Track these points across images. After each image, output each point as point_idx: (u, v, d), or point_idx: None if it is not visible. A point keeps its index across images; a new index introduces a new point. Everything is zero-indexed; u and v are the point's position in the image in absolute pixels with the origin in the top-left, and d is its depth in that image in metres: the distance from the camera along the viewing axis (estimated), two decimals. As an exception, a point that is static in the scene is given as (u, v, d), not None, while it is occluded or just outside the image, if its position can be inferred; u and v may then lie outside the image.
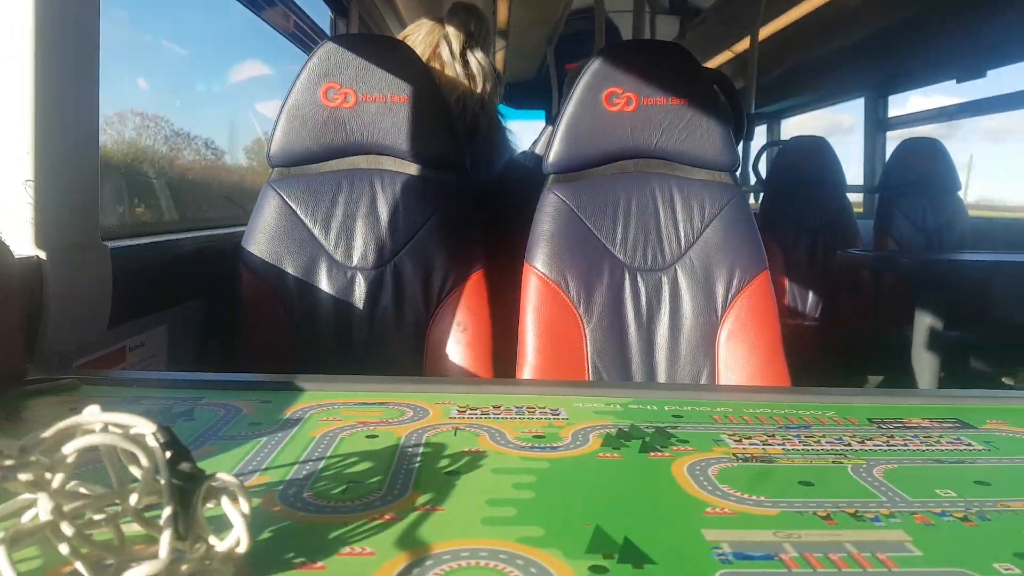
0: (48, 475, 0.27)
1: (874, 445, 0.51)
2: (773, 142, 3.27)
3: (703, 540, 0.36)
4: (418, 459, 0.46)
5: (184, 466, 0.30)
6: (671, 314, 1.16)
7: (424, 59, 1.39)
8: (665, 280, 1.17)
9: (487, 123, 1.42)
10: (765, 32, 3.40)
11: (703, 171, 1.21)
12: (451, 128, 1.19)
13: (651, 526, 0.38)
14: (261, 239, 1.11)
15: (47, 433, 0.28)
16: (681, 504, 0.41)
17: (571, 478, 0.44)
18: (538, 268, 1.12)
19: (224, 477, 0.32)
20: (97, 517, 0.29)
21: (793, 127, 4.30)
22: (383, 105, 1.16)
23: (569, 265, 1.13)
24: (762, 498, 0.42)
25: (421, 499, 0.40)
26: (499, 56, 4.78)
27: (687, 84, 1.18)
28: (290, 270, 1.11)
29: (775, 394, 0.62)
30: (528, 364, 1.09)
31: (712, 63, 4.28)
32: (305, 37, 1.99)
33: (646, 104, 1.17)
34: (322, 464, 0.45)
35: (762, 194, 3.01)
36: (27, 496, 0.28)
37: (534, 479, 0.44)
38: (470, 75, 1.39)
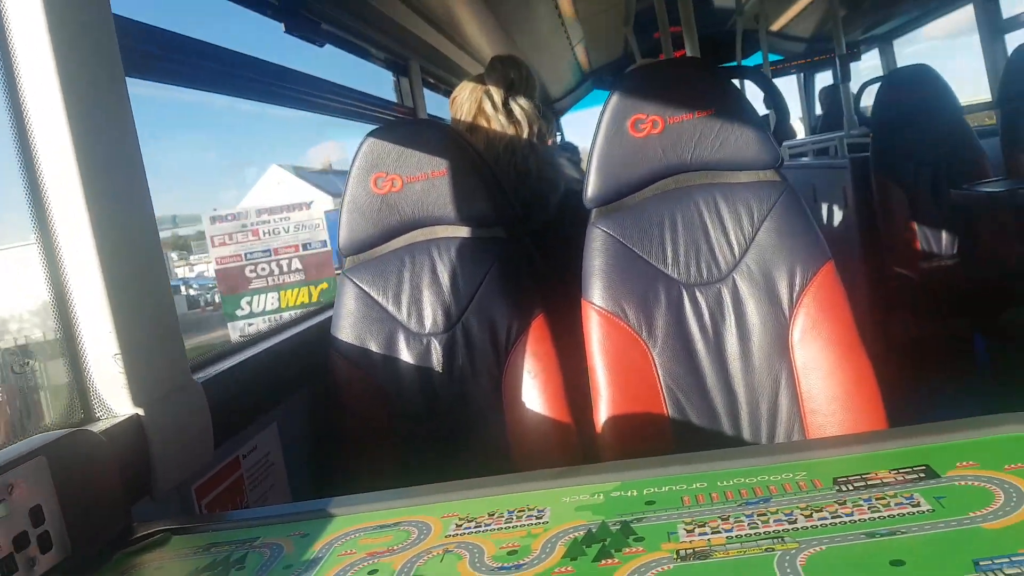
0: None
1: (820, 519, 0.51)
2: (868, 81, 3.00)
3: None
4: None
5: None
6: (737, 323, 1.15)
7: (471, 117, 1.49)
8: (725, 290, 1.16)
9: (537, 163, 1.49)
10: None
11: (746, 173, 1.19)
12: (491, 186, 1.27)
13: None
14: (345, 324, 1.26)
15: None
16: None
17: None
18: (595, 303, 1.17)
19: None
20: None
21: (907, 44, 3.90)
22: (426, 182, 1.26)
23: (624, 294, 1.16)
24: None
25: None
26: (580, 49, 4.75)
27: (710, 95, 1.17)
28: (374, 348, 1.24)
29: (750, 459, 0.63)
30: (602, 398, 1.14)
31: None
32: (379, 114, 2.15)
33: (672, 123, 1.17)
34: None
35: (870, 136, 2.78)
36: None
37: None
38: (515, 122, 1.47)
